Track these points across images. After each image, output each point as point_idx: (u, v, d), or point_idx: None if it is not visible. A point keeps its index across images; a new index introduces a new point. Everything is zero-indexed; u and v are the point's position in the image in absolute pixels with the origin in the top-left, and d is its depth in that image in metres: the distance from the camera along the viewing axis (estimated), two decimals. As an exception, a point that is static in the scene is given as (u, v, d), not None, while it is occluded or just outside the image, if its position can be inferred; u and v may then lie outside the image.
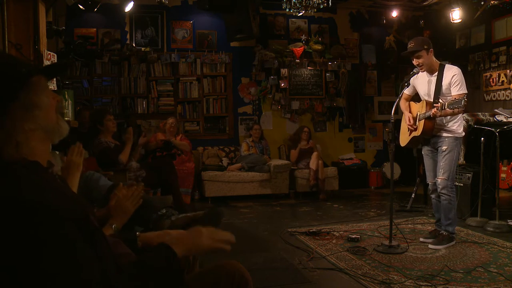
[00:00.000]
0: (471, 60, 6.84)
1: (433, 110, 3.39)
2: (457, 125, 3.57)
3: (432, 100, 3.55)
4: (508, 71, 6.24)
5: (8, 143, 0.97)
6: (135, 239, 1.52)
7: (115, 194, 1.75)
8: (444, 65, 3.57)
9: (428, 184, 3.89)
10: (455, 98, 3.31)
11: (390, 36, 7.59)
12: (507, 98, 6.26)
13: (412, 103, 3.85)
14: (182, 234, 1.23)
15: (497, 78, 6.42)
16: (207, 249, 1.20)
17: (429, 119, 3.50)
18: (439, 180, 3.56)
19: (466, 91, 3.43)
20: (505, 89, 6.30)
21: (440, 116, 3.44)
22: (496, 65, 6.45)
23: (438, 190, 3.59)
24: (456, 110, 3.26)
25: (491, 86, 6.54)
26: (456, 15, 6.46)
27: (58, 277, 0.86)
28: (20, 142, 0.98)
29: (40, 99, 1.03)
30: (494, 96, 6.49)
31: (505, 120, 4.77)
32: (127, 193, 1.78)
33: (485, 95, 6.65)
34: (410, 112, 3.76)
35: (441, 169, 3.55)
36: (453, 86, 3.47)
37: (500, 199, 4.34)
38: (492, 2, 6.02)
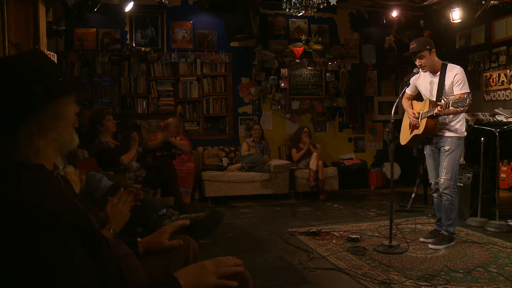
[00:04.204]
0: (471, 60, 6.83)
1: (437, 109, 3.38)
2: (459, 124, 3.56)
3: (434, 100, 3.54)
4: (508, 71, 6.23)
5: (28, 147, 0.99)
6: (136, 245, 1.51)
7: (109, 200, 1.76)
8: (447, 64, 3.56)
9: (429, 184, 3.89)
10: (459, 97, 3.30)
11: (390, 36, 7.59)
12: (507, 98, 6.26)
13: (414, 102, 3.85)
14: (189, 270, 1.20)
15: (497, 78, 6.42)
16: (212, 286, 1.18)
17: (432, 117, 3.49)
18: (442, 180, 3.56)
19: (468, 90, 3.43)
20: (505, 89, 6.30)
21: (443, 114, 3.43)
22: (496, 65, 6.45)
23: (441, 190, 3.58)
24: (460, 108, 3.26)
25: (491, 86, 6.54)
26: (456, 15, 6.46)
27: (56, 284, 0.86)
28: (40, 147, 1.00)
29: (66, 111, 1.06)
30: (494, 96, 6.49)
31: (505, 120, 4.77)
32: (122, 198, 1.78)
33: (485, 95, 6.65)
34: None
35: (444, 169, 3.54)
36: (456, 86, 3.47)
37: (500, 199, 4.34)
38: (492, 2, 6.02)
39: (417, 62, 3.57)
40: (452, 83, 3.48)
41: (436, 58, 3.58)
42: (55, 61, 3.69)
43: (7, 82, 0.96)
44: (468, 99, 3.14)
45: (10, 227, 0.85)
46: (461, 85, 3.45)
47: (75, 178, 1.92)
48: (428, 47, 3.50)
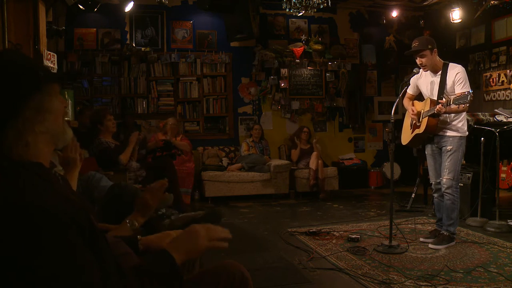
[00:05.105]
0: (471, 60, 6.83)
1: (438, 106, 3.37)
2: (461, 124, 3.56)
3: (436, 99, 3.54)
4: (508, 71, 6.23)
5: (18, 143, 0.99)
6: (136, 242, 1.52)
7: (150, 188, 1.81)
8: (448, 64, 3.56)
9: (429, 184, 3.88)
10: (460, 94, 3.30)
11: (390, 36, 7.59)
12: (507, 98, 6.26)
13: (415, 102, 3.84)
14: (180, 238, 1.22)
15: (497, 78, 6.42)
16: (205, 249, 1.21)
17: (433, 116, 3.49)
18: (444, 180, 3.55)
19: (470, 89, 3.42)
20: (505, 89, 6.30)
21: (444, 112, 3.42)
22: (496, 65, 6.45)
23: (443, 189, 3.57)
24: (461, 106, 3.25)
25: (491, 86, 6.54)
26: (456, 15, 6.46)
27: (58, 282, 0.86)
28: (29, 142, 1.00)
29: (52, 104, 1.05)
30: (494, 96, 6.49)
31: (505, 120, 4.77)
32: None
33: (485, 95, 6.65)
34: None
35: (446, 169, 3.53)
36: (457, 85, 3.47)
37: (500, 199, 4.34)
38: (492, 2, 6.02)
39: (418, 61, 3.57)
40: (453, 82, 3.48)
41: (438, 58, 3.58)
42: (55, 61, 3.69)
43: None
44: (469, 96, 3.14)
45: (10, 227, 0.85)
46: (462, 84, 3.45)
47: (73, 155, 1.89)
48: (430, 47, 3.50)
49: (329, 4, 5.24)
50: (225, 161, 6.46)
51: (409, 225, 4.32)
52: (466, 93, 3.23)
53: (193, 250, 1.19)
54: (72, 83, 5.72)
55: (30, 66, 1.04)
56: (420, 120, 3.64)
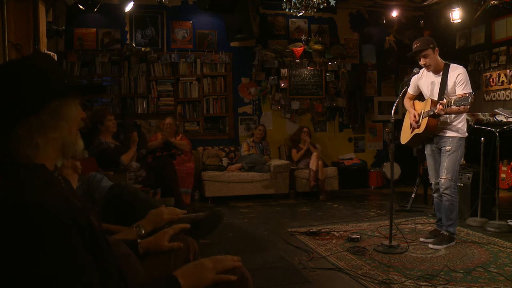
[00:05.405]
0: (471, 60, 6.83)
1: (438, 107, 3.37)
2: (461, 124, 3.55)
3: (436, 99, 3.54)
4: (508, 71, 6.23)
5: (28, 144, 0.99)
6: (136, 245, 1.51)
7: (166, 209, 1.79)
8: (449, 64, 3.55)
9: (429, 184, 3.88)
10: (461, 96, 3.30)
11: (390, 36, 7.60)
12: (507, 98, 6.26)
13: (416, 101, 3.84)
14: (187, 269, 1.22)
15: (497, 78, 6.42)
16: (211, 283, 1.20)
17: (433, 117, 3.49)
18: (442, 180, 3.55)
19: (471, 91, 3.42)
20: (505, 89, 6.30)
21: (445, 113, 3.42)
22: (496, 65, 6.45)
23: (441, 190, 3.57)
24: (462, 107, 3.24)
25: (491, 86, 6.54)
26: (456, 15, 6.47)
27: (58, 282, 0.86)
28: (39, 144, 1.01)
29: (70, 112, 1.06)
30: (494, 96, 6.49)
31: (505, 120, 4.77)
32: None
33: (485, 95, 6.65)
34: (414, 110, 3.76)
35: (445, 169, 3.53)
36: (458, 86, 3.46)
37: (500, 199, 4.34)
38: (492, 2, 6.02)
39: (422, 62, 3.56)
40: (454, 83, 3.47)
41: (439, 58, 3.57)
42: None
43: (5, 83, 0.98)
44: (470, 98, 3.13)
45: (10, 227, 0.86)
46: (463, 85, 3.45)
47: (70, 171, 1.89)
48: (431, 46, 3.49)
49: (332, 4, 5.24)
50: (225, 161, 6.46)
51: (409, 225, 4.32)
52: (467, 94, 3.23)
53: (198, 283, 1.18)
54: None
55: (57, 72, 1.04)
56: (420, 120, 3.64)
